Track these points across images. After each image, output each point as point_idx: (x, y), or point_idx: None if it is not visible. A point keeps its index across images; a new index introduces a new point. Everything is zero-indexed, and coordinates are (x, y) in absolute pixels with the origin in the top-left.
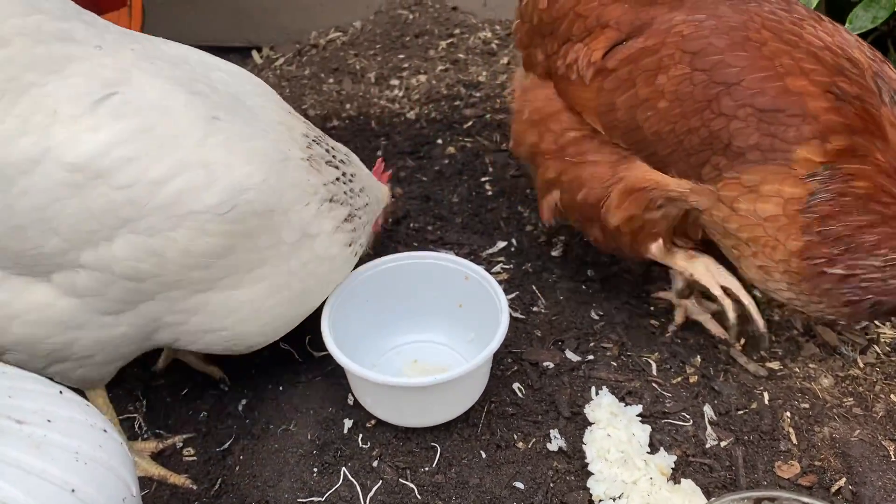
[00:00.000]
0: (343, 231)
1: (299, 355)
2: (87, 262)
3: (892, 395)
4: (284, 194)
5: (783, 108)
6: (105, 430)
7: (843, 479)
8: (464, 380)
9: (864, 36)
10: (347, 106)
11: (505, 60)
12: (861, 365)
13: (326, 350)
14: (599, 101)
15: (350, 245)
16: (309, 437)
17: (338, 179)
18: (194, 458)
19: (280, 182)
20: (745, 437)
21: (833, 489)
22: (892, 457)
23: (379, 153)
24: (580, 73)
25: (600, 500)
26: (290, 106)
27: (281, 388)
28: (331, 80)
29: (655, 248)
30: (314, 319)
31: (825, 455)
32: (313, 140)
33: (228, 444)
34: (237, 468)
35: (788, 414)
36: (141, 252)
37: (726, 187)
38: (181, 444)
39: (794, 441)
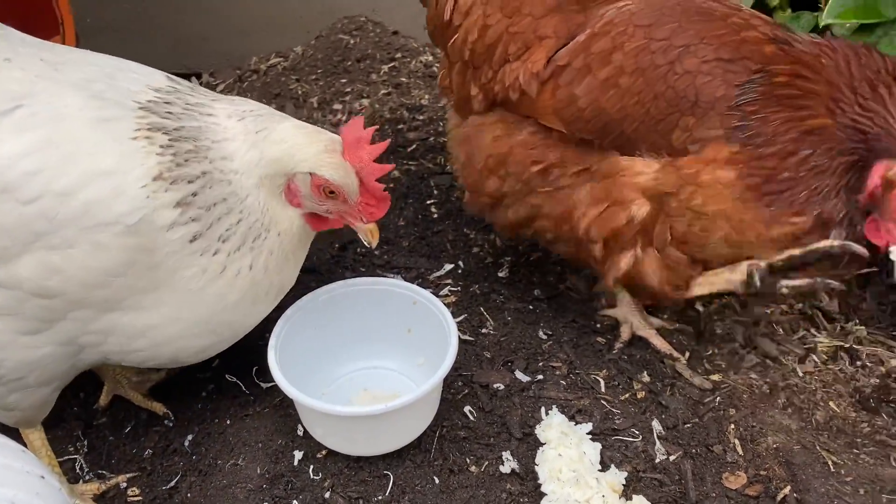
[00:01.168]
0: (201, 254)
1: (246, 387)
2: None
3: (830, 403)
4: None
5: (747, 56)
6: (42, 477)
7: (788, 488)
8: (414, 406)
9: None
10: None
11: None
12: (800, 374)
13: (274, 381)
14: (557, 99)
15: (224, 269)
16: (258, 471)
17: (194, 195)
18: (139, 498)
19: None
20: (693, 451)
21: (778, 498)
22: (832, 465)
23: None
24: (524, 88)
25: None
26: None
27: (228, 422)
28: (272, 106)
29: (625, 264)
30: (260, 349)
31: (770, 464)
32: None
33: (175, 481)
34: None
35: (733, 426)
36: (45, 269)
37: (687, 164)
38: (125, 485)
39: (740, 452)
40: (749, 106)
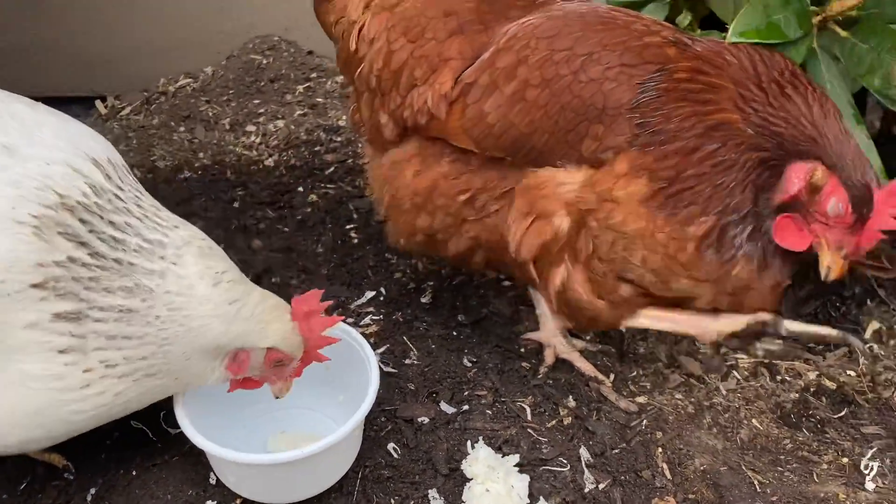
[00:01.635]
0: (65, 364)
1: (153, 433)
2: None
3: (753, 420)
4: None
5: (650, 60)
6: None
7: None
8: (335, 448)
9: None
10: (200, 155)
11: None
12: (723, 392)
13: None
14: (466, 118)
15: (87, 386)
16: None
17: (73, 261)
18: None
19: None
20: (622, 477)
21: None
22: (758, 484)
23: (236, 204)
24: (432, 111)
25: None
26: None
27: (134, 473)
28: (182, 129)
29: (559, 282)
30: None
31: (698, 487)
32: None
33: None
34: None
35: (661, 449)
36: None
37: (601, 180)
38: None
39: (668, 476)
40: (649, 105)
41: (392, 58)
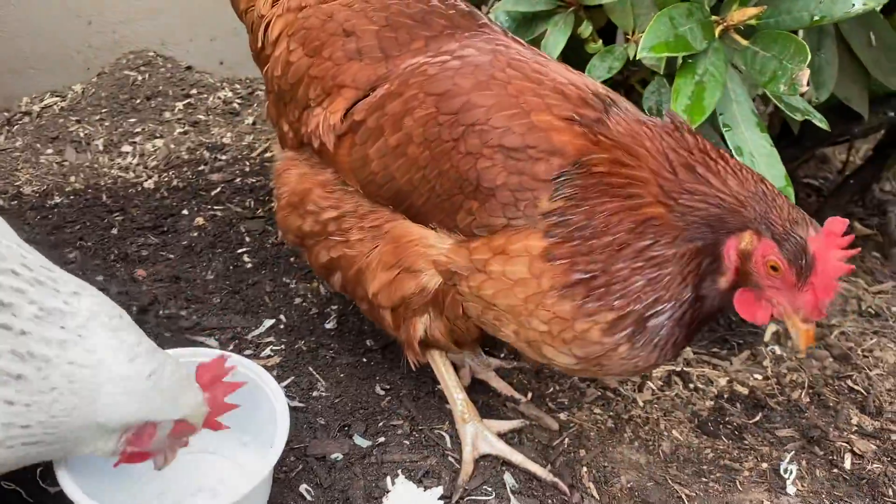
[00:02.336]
0: None
1: (28, 493)
2: None
3: (673, 431)
4: None
5: (531, 145)
6: None
7: None
8: (243, 502)
9: None
10: (72, 178)
11: (250, 120)
12: (640, 403)
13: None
14: (352, 156)
15: None
16: None
17: None
18: None
19: None
20: (549, 501)
21: None
22: (685, 498)
23: (114, 231)
24: (322, 139)
25: None
26: None
27: None
28: (50, 151)
29: (420, 331)
30: None
31: None
32: None
33: None
34: None
35: (586, 468)
36: None
37: (477, 251)
38: None
39: (596, 496)
40: (568, 199)
41: (290, 69)
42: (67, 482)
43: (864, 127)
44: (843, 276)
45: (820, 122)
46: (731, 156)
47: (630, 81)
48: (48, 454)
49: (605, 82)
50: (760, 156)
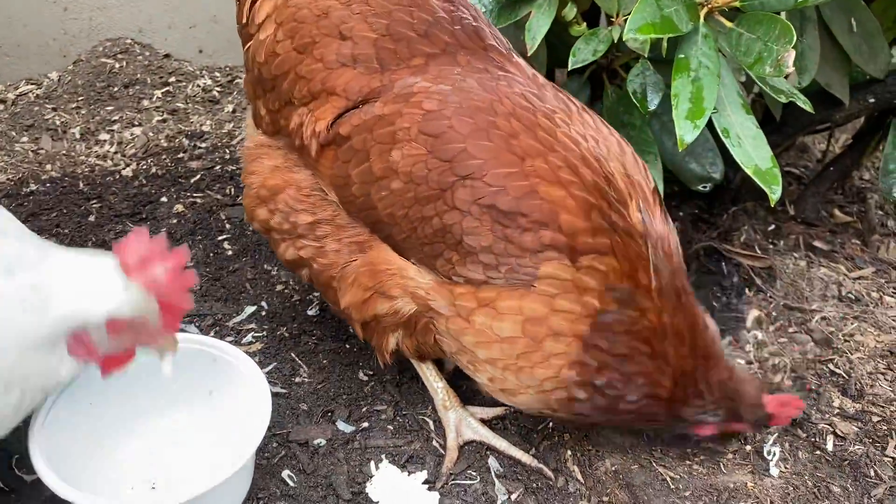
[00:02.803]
0: None
1: (5, 483)
2: None
3: None
4: None
5: (525, 213)
6: None
7: None
8: (224, 487)
9: (584, 68)
10: (48, 167)
11: (230, 108)
12: None
13: None
14: (334, 171)
15: None
16: None
17: None
18: None
19: None
20: (534, 485)
21: None
22: (670, 480)
23: (91, 218)
24: (304, 141)
25: None
26: None
27: None
28: (25, 139)
29: (391, 346)
30: (19, 432)
31: (611, 489)
32: None
33: None
34: None
35: (570, 452)
36: None
37: (462, 297)
38: None
39: (581, 479)
40: (614, 323)
41: (274, 60)
42: (42, 467)
43: (844, 113)
44: None
45: (804, 104)
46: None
47: (614, 65)
48: (23, 403)
49: (589, 66)
50: (747, 137)
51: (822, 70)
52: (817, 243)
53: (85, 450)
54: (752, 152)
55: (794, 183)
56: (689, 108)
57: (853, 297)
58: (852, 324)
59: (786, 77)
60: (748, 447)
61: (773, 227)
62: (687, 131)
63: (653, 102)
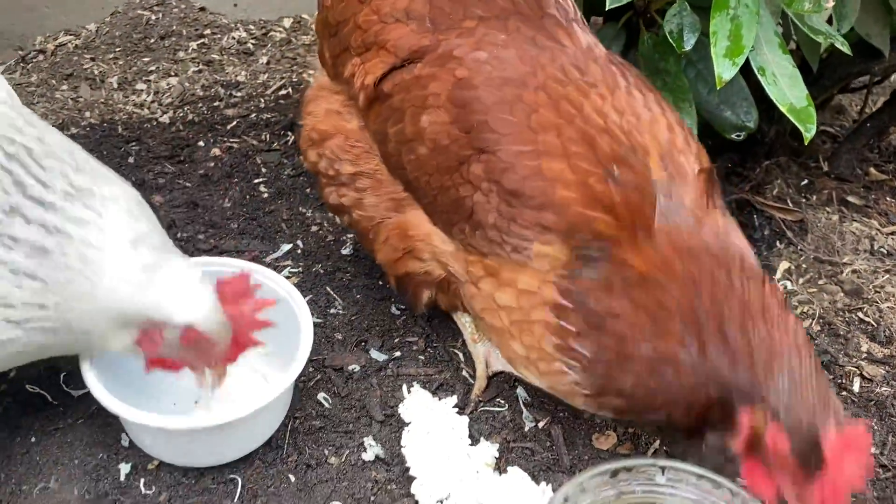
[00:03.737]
0: None
1: (53, 397)
2: None
3: None
4: None
5: (528, 193)
6: None
7: (657, 442)
8: (265, 409)
9: (620, 15)
10: (87, 114)
11: (264, 60)
12: None
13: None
14: (377, 126)
15: None
16: (76, 493)
17: None
18: None
19: None
20: (561, 415)
21: (649, 453)
22: None
23: (131, 160)
24: (355, 92)
25: None
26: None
27: (33, 439)
28: (64, 87)
29: (425, 299)
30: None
31: None
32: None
33: None
34: None
35: None
36: None
37: (473, 265)
38: None
39: None
40: (592, 279)
41: (339, 5)
42: (93, 382)
43: (883, 65)
44: (853, 491)
45: (842, 45)
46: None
47: (650, 11)
48: (66, 346)
49: (625, 12)
50: (782, 76)
51: (862, 20)
52: (851, 198)
53: (131, 366)
54: (788, 91)
55: (829, 141)
56: (728, 45)
57: (885, 252)
58: (883, 276)
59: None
60: None
61: (805, 181)
62: (725, 69)
63: (689, 42)
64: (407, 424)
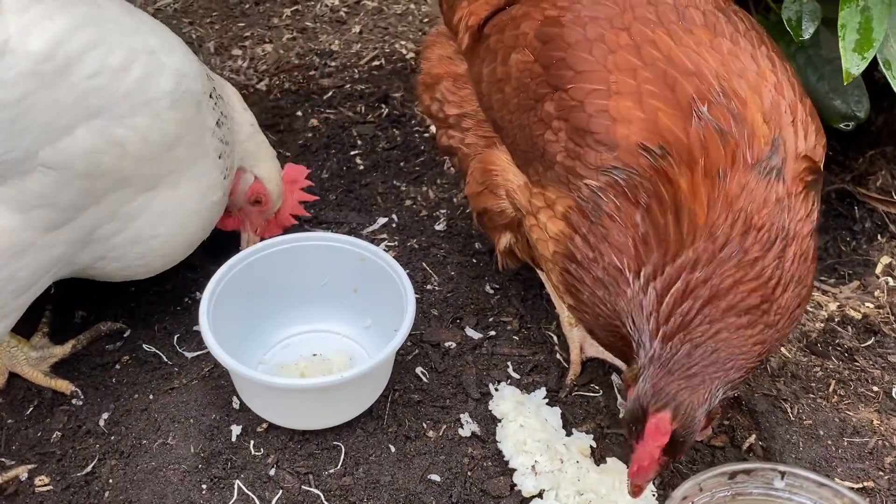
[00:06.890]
0: (218, 155)
1: (168, 357)
2: (47, 159)
3: (782, 349)
4: (203, 89)
5: (594, 131)
6: None
7: (753, 437)
8: (370, 375)
9: None
10: None
11: (357, 29)
12: None
13: (200, 350)
14: (476, 68)
15: (220, 175)
16: (192, 450)
17: (217, 103)
18: (50, 487)
19: (200, 73)
20: None
21: (744, 447)
22: (792, 411)
23: None
24: (461, 35)
25: (532, 497)
26: None
27: (151, 397)
28: None
29: (503, 244)
30: (180, 315)
31: (733, 414)
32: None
33: (92, 466)
34: (107, 494)
35: None
36: (104, 142)
37: (535, 197)
38: (26, 476)
39: None
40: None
41: None
42: (212, 342)
43: None
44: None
45: None
46: None
47: None
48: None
49: None
50: None
51: None
52: None
53: (242, 330)
54: None
55: None
56: (857, 39)
57: None
58: None
59: None
60: (875, 387)
61: None
62: (853, 64)
63: (807, 31)
64: (499, 421)
